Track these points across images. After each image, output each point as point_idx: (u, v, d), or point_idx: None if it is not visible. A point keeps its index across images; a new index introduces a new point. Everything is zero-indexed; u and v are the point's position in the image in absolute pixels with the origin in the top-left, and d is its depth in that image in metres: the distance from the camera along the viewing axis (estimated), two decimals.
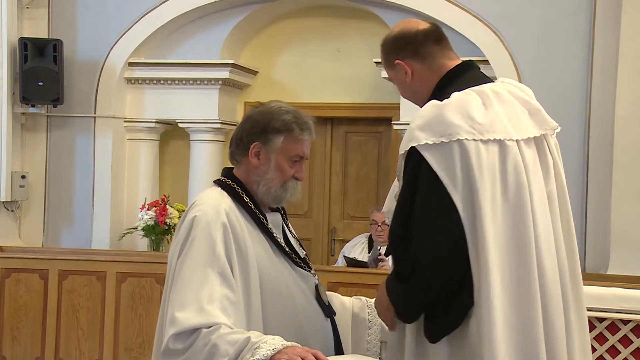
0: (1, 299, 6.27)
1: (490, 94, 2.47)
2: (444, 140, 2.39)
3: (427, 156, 2.39)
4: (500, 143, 2.42)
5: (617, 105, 6.01)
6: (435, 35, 2.60)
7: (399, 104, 6.64)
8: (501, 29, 6.42)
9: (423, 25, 2.64)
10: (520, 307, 2.40)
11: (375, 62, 6.72)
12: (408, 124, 6.25)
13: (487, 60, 6.27)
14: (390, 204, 2.72)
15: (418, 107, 2.76)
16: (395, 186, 2.70)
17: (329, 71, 7.45)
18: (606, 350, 4.39)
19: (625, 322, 4.32)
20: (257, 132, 2.58)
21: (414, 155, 2.42)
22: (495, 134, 2.41)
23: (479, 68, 2.74)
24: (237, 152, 2.64)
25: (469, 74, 2.62)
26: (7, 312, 6.23)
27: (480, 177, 2.37)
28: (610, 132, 5.95)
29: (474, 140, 2.39)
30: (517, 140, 2.46)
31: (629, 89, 6.03)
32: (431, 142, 2.40)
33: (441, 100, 2.47)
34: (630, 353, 4.35)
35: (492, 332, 2.36)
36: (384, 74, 6.21)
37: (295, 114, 2.61)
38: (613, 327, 4.31)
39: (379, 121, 7.42)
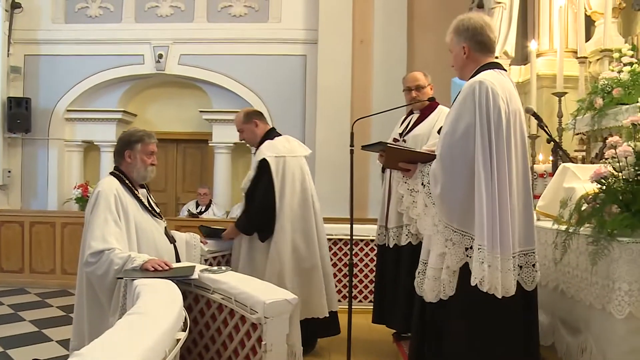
0: (0, 238, 7.49)
1: (288, 138, 3.60)
2: (276, 155, 3.37)
3: (269, 161, 3.35)
4: (298, 158, 3.48)
5: (317, 130, 7.50)
6: (261, 114, 3.78)
7: (212, 132, 8.31)
8: (260, 94, 8.19)
9: (257, 110, 3.76)
10: (305, 234, 3.46)
11: (199, 111, 8.39)
12: (218, 143, 8.68)
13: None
14: (246, 183, 3.48)
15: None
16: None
17: (175, 115, 8.94)
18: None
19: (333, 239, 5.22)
20: (126, 144, 3.10)
21: (263, 162, 3.38)
22: (294, 153, 3.45)
23: (276, 130, 3.69)
24: (118, 157, 3.14)
25: (275, 132, 3.69)
26: (2, 246, 7.46)
27: (286, 171, 3.38)
28: (314, 149, 6.70)
29: (287, 156, 3.37)
30: (300, 156, 3.53)
31: (325, 120, 7.35)
32: (270, 155, 3.36)
33: (271, 140, 3.43)
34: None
35: (283, 246, 3.37)
36: (205, 116, 8.19)
37: (144, 131, 3.12)
38: (336, 243, 5.26)
39: (202, 141, 8.76)
